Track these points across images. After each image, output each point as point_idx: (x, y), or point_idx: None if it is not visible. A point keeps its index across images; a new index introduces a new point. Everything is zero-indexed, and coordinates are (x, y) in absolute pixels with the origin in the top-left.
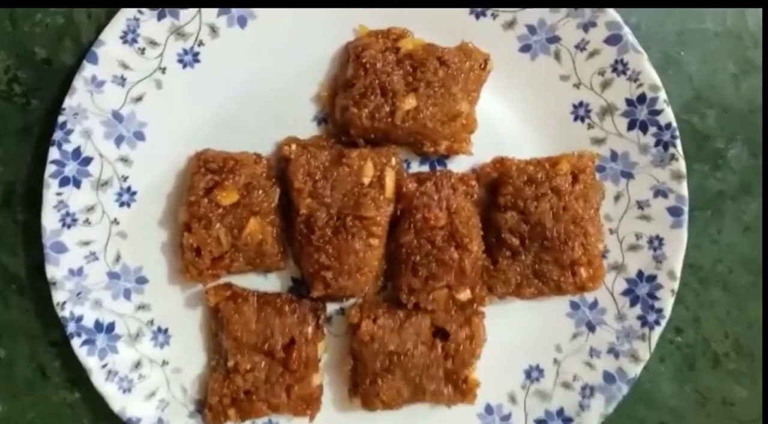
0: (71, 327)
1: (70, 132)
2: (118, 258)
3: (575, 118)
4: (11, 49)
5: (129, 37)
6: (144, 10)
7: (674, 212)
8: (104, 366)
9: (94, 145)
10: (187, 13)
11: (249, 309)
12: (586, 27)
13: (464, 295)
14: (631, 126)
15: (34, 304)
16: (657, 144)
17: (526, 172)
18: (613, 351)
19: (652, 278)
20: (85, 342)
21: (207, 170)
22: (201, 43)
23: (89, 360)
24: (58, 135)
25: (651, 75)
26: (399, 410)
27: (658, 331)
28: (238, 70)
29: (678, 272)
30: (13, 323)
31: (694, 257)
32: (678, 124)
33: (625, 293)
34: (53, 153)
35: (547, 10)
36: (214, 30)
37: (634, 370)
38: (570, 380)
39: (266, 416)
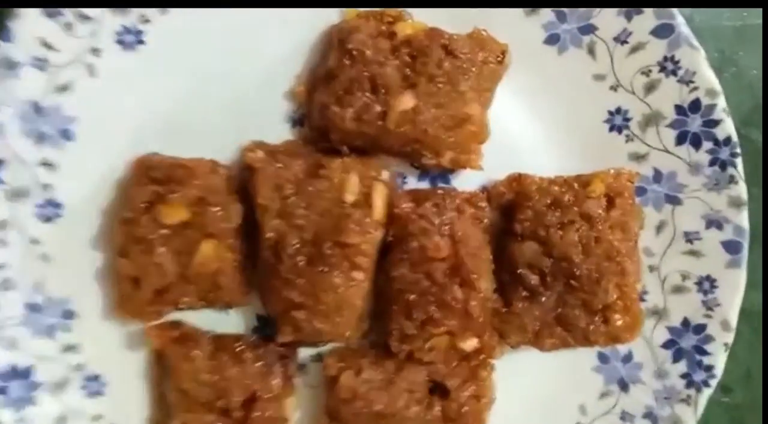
0: None
1: None
2: (39, 287)
3: (611, 128)
4: None
5: (53, 8)
6: None
7: (731, 247)
8: (19, 421)
9: (6, 144)
10: None
11: (201, 355)
12: (629, 14)
13: (470, 344)
14: (680, 140)
15: None
16: (712, 163)
17: (550, 194)
18: (650, 416)
19: (700, 328)
20: None
21: (150, 180)
22: (146, 20)
23: (1, 413)
24: None
25: (708, 77)
26: None
27: (706, 393)
28: (193, 55)
29: (734, 322)
30: None
31: (748, 299)
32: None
33: (667, 344)
34: None
35: None
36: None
37: None
38: None
39: None
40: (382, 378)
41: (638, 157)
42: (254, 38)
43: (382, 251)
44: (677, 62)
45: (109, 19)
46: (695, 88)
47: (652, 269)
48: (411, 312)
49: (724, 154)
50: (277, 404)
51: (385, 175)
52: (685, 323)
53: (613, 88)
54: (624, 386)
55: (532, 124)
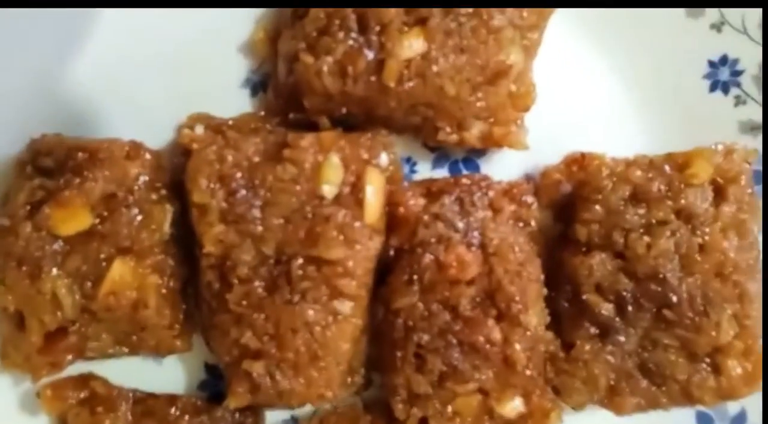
0: None
1: None
2: None
3: (713, 86)
4: None
5: None
6: None
7: None
8: None
9: None
10: None
11: None
12: None
13: (512, 406)
14: None
15: None
16: None
17: (629, 181)
18: None
19: None
20: None
21: (36, 171)
22: None
23: None
24: None
25: None
26: None
27: None
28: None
29: None
30: None
31: None
32: None
33: None
34: None
35: None
36: None
37: None
38: None
39: None
40: None
41: (753, 128)
42: None
43: (380, 270)
44: None
45: None
46: None
47: None
48: (423, 361)
49: None
50: None
51: (383, 158)
52: None
53: (716, 26)
54: None
55: (599, 81)
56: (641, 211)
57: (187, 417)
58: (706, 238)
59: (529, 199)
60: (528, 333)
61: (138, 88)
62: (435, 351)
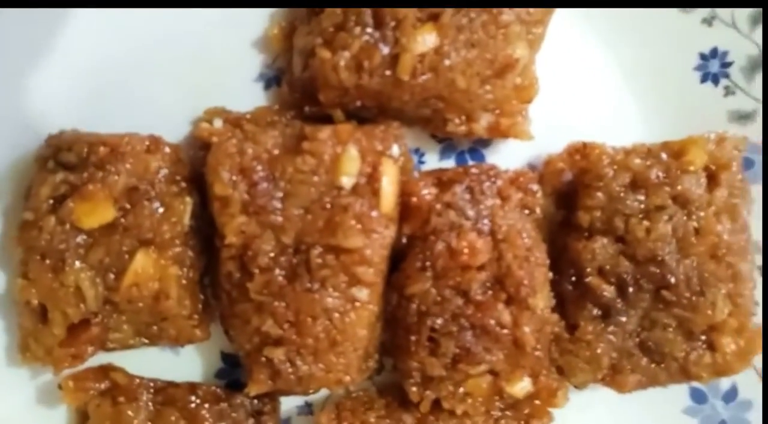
0: None
1: None
2: None
3: (704, 78)
4: None
5: None
6: None
7: None
8: None
9: None
10: None
11: (140, 414)
12: None
13: (521, 386)
14: None
15: None
16: None
17: (629, 168)
18: None
19: None
20: None
21: (58, 165)
22: None
23: None
24: None
25: None
26: None
27: None
28: None
29: None
30: None
31: None
32: None
33: None
34: None
35: None
36: None
37: None
38: None
39: None
40: None
41: (742, 117)
42: None
43: (393, 258)
44: None
45: None
46: None
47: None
48: (437, 344)
49: None
50: None
51: (395, 149)
52: None
53: (707, 21)
54: None
55: (596, 73)
56: (640, 197)
57: (207, 405)
58: (701, 222)
59: (534, 187)
60: (536, 316)
61: (151, 84)
62: (448, 335)
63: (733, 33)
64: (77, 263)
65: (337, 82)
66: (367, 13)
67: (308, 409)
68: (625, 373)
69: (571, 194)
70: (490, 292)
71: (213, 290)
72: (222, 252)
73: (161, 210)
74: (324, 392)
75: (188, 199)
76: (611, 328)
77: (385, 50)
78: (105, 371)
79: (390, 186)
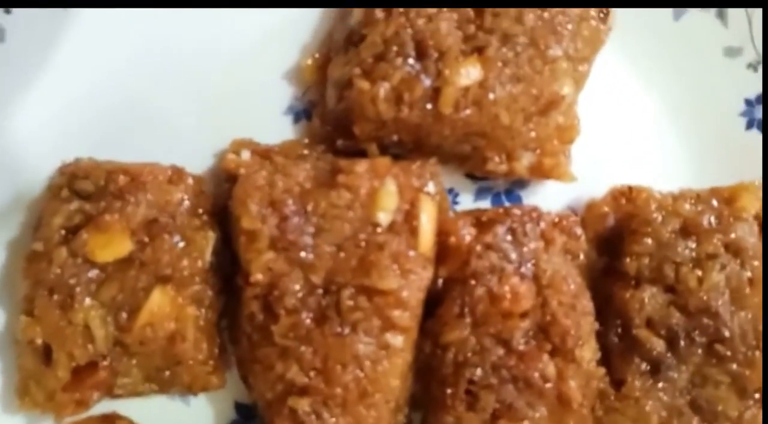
0: None
1: None
2: None
3: (749, 124)
4: None
5: None
6: None
7: None
8: None
9: None
10: None
11: None
12: None
13: None
14: None
15: None
16: None
17: (679, 214)
18: None
19: None
20: None
21: (73, 194)
22: None
23: None
24: None
25: None
26: None
27: None
28: (150, 18)
29: None
30: None
31: None
32: None
33: None
34: None
35: None
36: None
37: None
38: None
39: None
40: None
41: None
42: None
43: (428, 303)
44: None
45: None
46: None
47: None
48: (475, 398)
49: None
50: None
51: (431, 186)
52: None
53: (752, 66)
54: None
55: (638, 115)
56: (691, 244)
57: None
58: (756, 272)
59: (578, 231)
60: (582, 369)
61: (173, 114)
62: (488, 387)
63: None
64: (87, 300)
65: (374, 115)
66: (409, 44)
67: None
68: None
69: (614, 240)
70: (533, 342)
71: (231, 334)
72: (245, 291)
73: (181, 244)
74: None
75: (210, 234)
76: (660, 384)
77: (427, 83)
78: (110, 420)
79: (429, 224)
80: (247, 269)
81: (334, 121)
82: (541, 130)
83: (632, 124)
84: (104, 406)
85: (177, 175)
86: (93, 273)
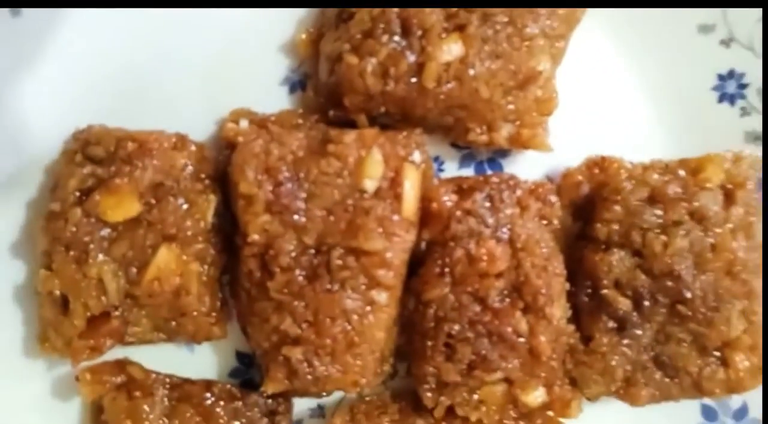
0: None
1: None
2: None
3: (721, 98)
4: None
5: None
6: None
7: None
8: None
9: None
10: None
11: (155, 409)
12: None
13: (536, 396)
14: None
15: None
16: None
17: (647, 184)
18: None
19: None
20: None
21: (86, 159)
22: None
23: None
24: None
25: None
26: None
27: None
28: None
29: None
30: None
31: None
32: None
33: None
34: None
35: None
36: None
37: None
38: None
39: None
40: None
41: (757, 138)
42: None
43: (413, 262)
44: None
45: None
46: None
47: None
48: (453, 350)
49: None
50: None
51: (417, 155)
52: None
53: (725, 43)
54: None
55: (615, 89)
56: (658, 212)
57: (222, 403)
58: (718, 238)
59: (553, 198)
60: (552, 325)
61: (177, 85)
62: (464, 341)
63: (751, 55)
64: (101, 256)
65: (362, 88)
66: (395, 21)
67: (320, 412)
68: (639, 386)
69: (587, 207)
70: (507, 300)
71: (231, 289)
72: (243, 250)
73: (185, 206)
74: (337, 395)
75: (212, 197)
76: (626, 341)
77: (412, 58)
78: (122, 365)
79: (412, 191)
80: (245, 230)
81: (326, 93)
82: (520, 103)
83: (609, 98)
84: (116, 352)
85: (181, 142)
86: (105, 231)
